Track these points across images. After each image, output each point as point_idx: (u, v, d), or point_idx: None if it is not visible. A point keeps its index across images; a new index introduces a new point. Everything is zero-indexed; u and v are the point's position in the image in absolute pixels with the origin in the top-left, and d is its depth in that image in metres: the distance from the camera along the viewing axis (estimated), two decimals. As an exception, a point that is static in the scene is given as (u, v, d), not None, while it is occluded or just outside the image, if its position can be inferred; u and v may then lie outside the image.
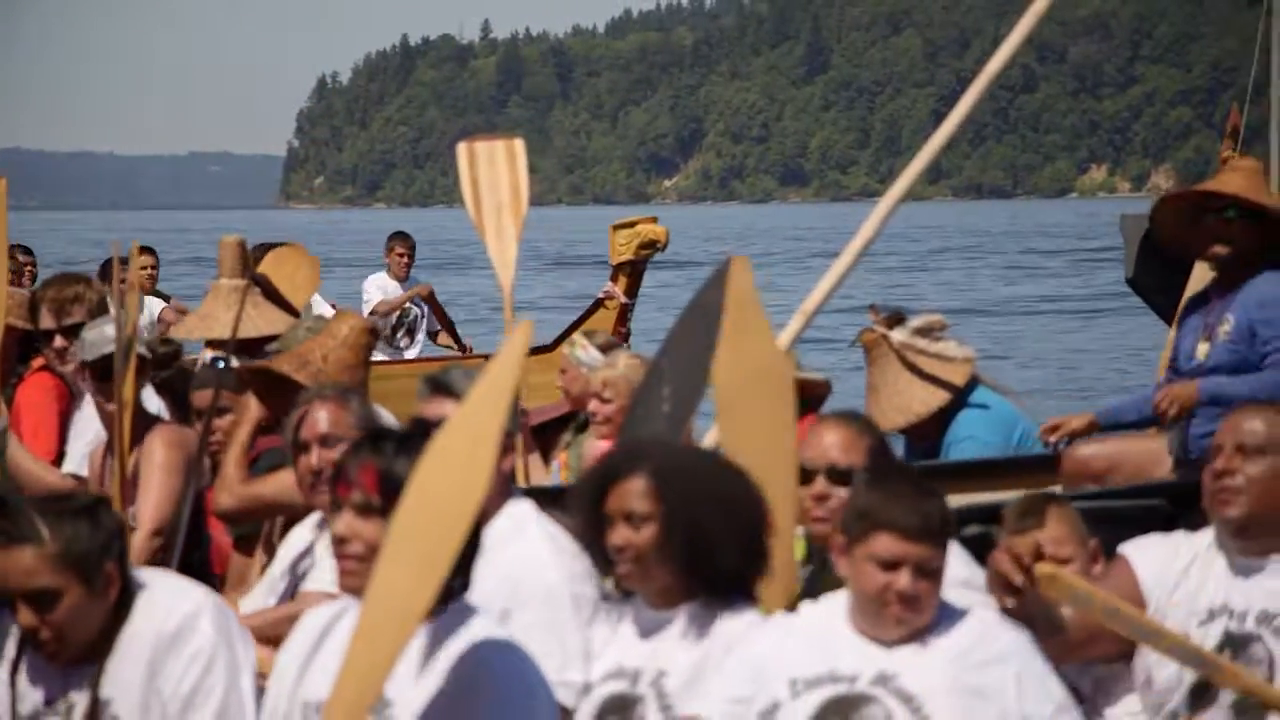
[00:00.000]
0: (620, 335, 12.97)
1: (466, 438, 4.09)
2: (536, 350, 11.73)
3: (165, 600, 4.59)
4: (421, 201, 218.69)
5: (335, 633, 4.35)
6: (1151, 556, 4.99)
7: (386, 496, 4.19)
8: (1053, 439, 7.33)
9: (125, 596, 4.57)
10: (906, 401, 7.51)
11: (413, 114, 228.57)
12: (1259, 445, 4.86)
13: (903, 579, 4.42)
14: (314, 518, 5.80)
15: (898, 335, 7.66)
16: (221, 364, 7.02)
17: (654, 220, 12.66)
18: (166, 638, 4.54)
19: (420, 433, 4.21)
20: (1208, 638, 4.85)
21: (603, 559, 4.72)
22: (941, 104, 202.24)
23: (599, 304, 13.09)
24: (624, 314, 13.01)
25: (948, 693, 4.39)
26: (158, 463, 6.61)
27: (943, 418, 7.55)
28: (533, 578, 4.92)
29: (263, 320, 8.10)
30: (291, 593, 5.73)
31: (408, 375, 11.95)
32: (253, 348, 7.75)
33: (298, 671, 4.38)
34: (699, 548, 4.59)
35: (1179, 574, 4.94)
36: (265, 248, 15.79)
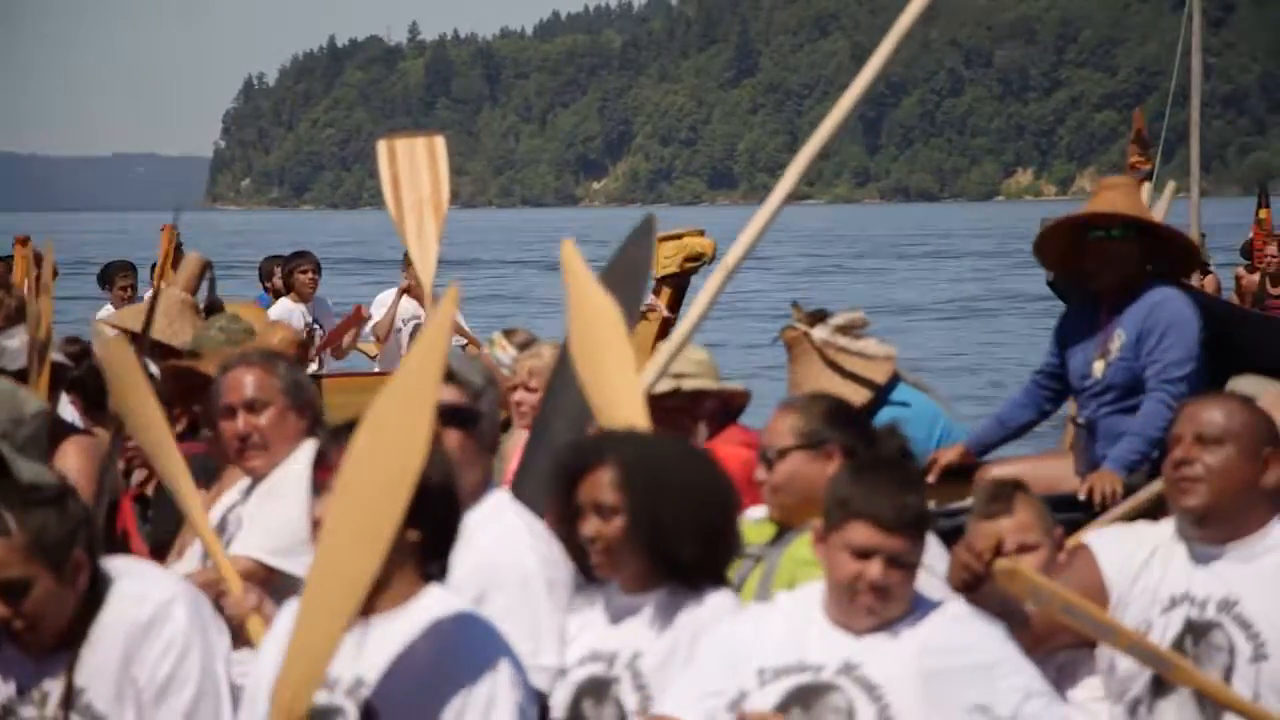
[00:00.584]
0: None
1: (402, 406, 4.11)
2: None
3: (139, 588, 4.60)
4: (349, 203, 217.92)
5: None
6: (1114, 546, 5.02)
7: None
8: (930, 479, 7.38)
9: (98, 585, 4.57)
10: None
11: (340, 116, 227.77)
12: (1217, 435, 4.88)
13: (874, 569, 4.43)
14: (242, 483, 5.81)
15: (819, 333, 7.67)
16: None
17: (701, 232, 12.29)
18: (141, 626, 4.55)
19: None
20: (1169, 626, 4.88)
21: (575, 549, 4.75)
22: (869, 107, 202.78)
23: (640, 317, 12.86)
24: (665, 328, 12.43)
25: (911, 682, 4.41)
26: (72, 468, 6.59)
27: (867, 413, 7.55)
28: (508, 562, 4.93)
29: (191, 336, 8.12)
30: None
31: None
32: (172, 357, 7.77)
33: (278, 658, 4.38)
34: (664, 538, 4.63)
35: (1141, 563, 4.95)
36: (276, 260, 15.74)
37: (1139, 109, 17.97)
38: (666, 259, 12.20)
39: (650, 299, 12.61)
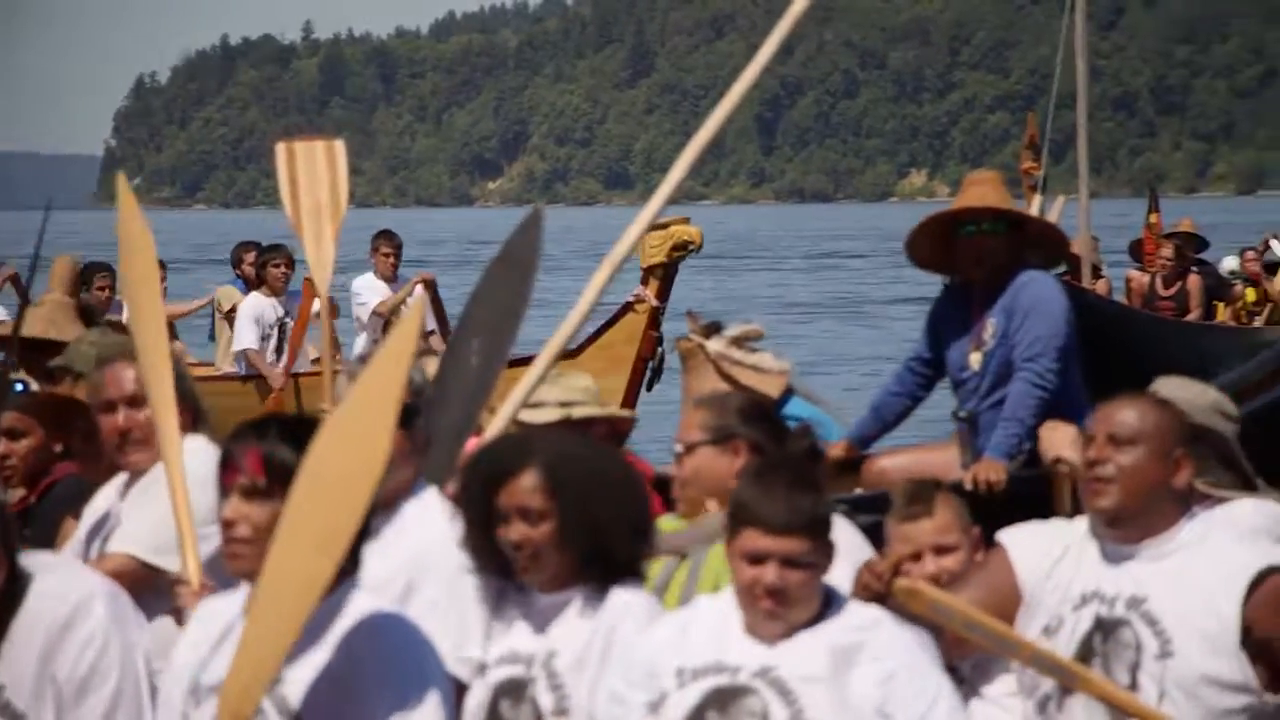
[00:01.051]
0: (651, 340, 12.60)
1: (365, 410, 4.11)
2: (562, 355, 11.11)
3: (58, 584, 4.55)
4: (242, 202, 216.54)
5: (234, 620, 4.34)
6: (1028, 544, 5.04)
7: (272, 479, 4.24)
8: None
9: (16, 581, 4.51)
10: None
11: (234, 115, 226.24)
12: (1130, 436, 4.90)
13: (769, 573, 4.42)
14: (119, 479, 5.74)
15: (714, 345, 7.69)
16: (20, 386, 6.94)
17: (686, 220, 12.16)
18: (60, 623, 4.50)
19: (305, 419, 4.27)
20: (1080, 623, 4.91)
21: (488, 554, 4.70)
22: (765, 108, 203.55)
23: (628, 307, 12.61)
24: (655, 318, 12.49)
25: (824, 686, 4.41)
26: None
27: None
28: (438, 556, 4.94)
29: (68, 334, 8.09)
30: (97, 554, 5.65)
31: None
32: (37, 353, 7.76)
33: (195, 659, 4.38)
34: (597, 537, 4.62)
35: (1054, 561, 4.99)
36: (248, 246, 15.77)
37: (1031, 115, 18.00)
38: (653, 248, 12.03)
39: (639, 289, 12.52)
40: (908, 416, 7.96)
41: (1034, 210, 12.82)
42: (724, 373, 7.62)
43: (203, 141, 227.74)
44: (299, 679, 4.23)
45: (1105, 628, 4.89)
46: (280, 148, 8.04)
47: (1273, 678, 4.84)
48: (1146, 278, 21.44)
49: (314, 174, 7.70)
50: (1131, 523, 4.91)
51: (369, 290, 15.08)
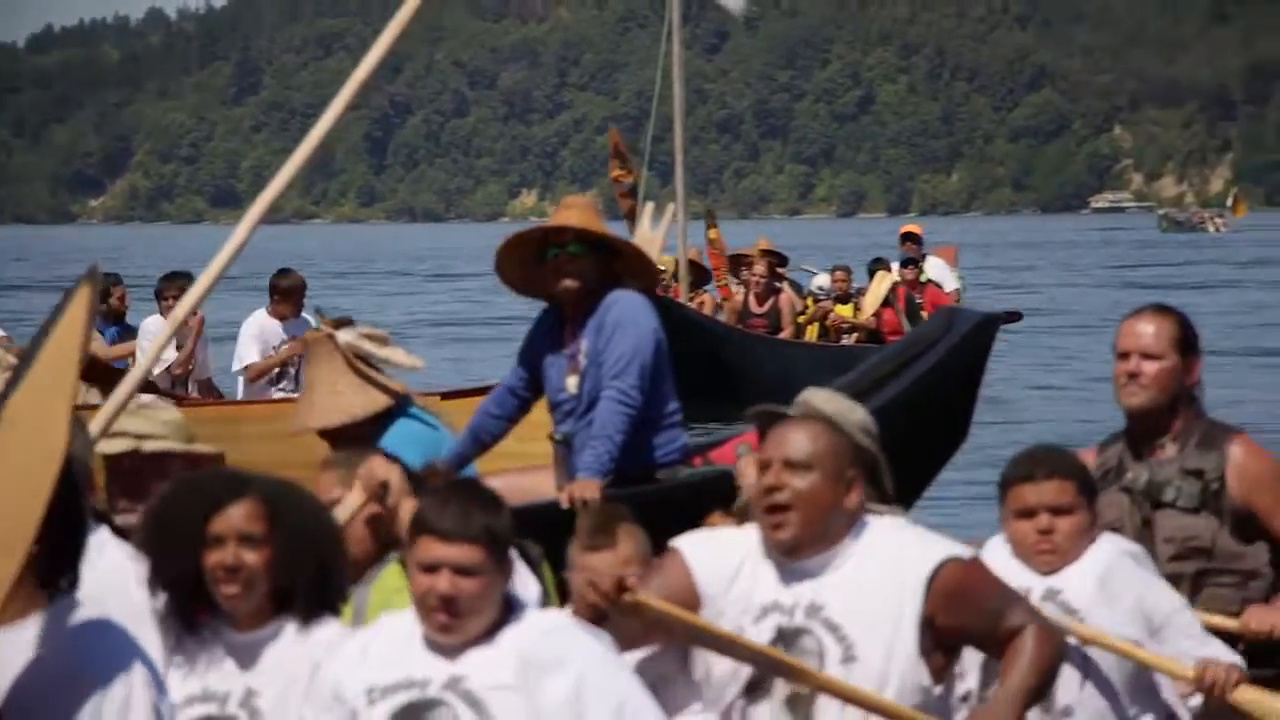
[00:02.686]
0: None
1: (34, 410, 3.99)
2: (476, 391, 10.61)
3: None
4: None
5: None
6: (705, 552, 5.02)
7: None
8: None
9: None
10: (346, 402, 7.52)
11: None
12: (805, 460, 4.91)
13: (441, 582, 4.44)
14: None
15: (344, 335, 7.67)
16: None
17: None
18: None
19: None
20: (761, 635, 4.90)
21: (184, 586, 4.65)
22: (375, 126, 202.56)
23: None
24: None
25: (514, 694, 4.43)
26: None
27: (380, 423, 7.63)
28: (117, 596, 4.85)
29: None
30: None
31: None
32: None
33: None
34: (311, 570, 4.63)
35: (733, 571, 4.96)
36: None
37: (612, 128, 18.39)
38: None
39: None
40: (504, 438, 8.04)
41: (645, 221, 13.08)
42: (353, 364, 7.59)
43: None
44: (7, 693, 4.13)
45: (787, 637, 4.89)
46: None
47: (942, 668, 4.92)
48: (740, 295, 22.13)
49: None
50: (810, 542, 4.92)
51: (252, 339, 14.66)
